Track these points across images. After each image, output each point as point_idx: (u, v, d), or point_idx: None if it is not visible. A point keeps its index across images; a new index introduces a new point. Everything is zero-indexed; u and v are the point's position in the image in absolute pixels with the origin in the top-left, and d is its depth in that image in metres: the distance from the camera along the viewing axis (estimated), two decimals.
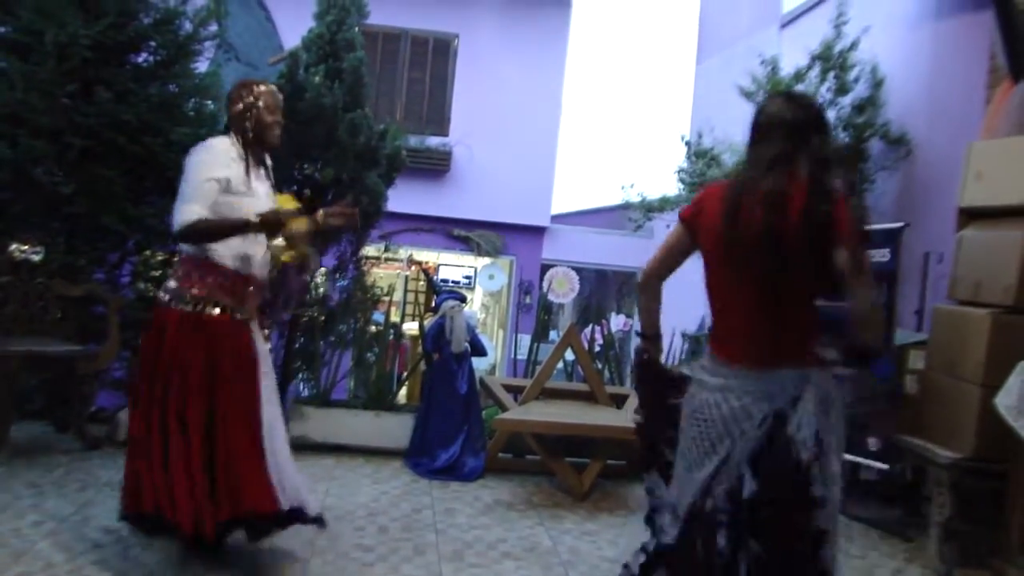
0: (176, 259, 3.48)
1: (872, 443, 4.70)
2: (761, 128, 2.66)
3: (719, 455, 2.59)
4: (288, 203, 3.65)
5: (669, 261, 2.76)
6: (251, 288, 3.48)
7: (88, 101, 5.08)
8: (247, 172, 3.43)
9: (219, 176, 3.33)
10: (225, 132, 3.52)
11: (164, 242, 5.83)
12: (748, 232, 2.51)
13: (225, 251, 3.38)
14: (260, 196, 3.47)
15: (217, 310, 3.36)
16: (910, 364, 4.67)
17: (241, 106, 3.48)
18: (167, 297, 3.37)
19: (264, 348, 3.55)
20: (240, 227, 3.33)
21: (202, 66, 6.01)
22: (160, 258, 5.91)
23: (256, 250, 3.48)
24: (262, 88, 3.53)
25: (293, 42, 6.30)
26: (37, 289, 5.03)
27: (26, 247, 5.28)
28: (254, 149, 3.50)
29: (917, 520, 4.63)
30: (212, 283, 3.37)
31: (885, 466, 4.70)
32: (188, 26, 5.61)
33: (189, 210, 3.27)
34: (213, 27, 5.75)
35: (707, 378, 2.67)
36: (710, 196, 2.66)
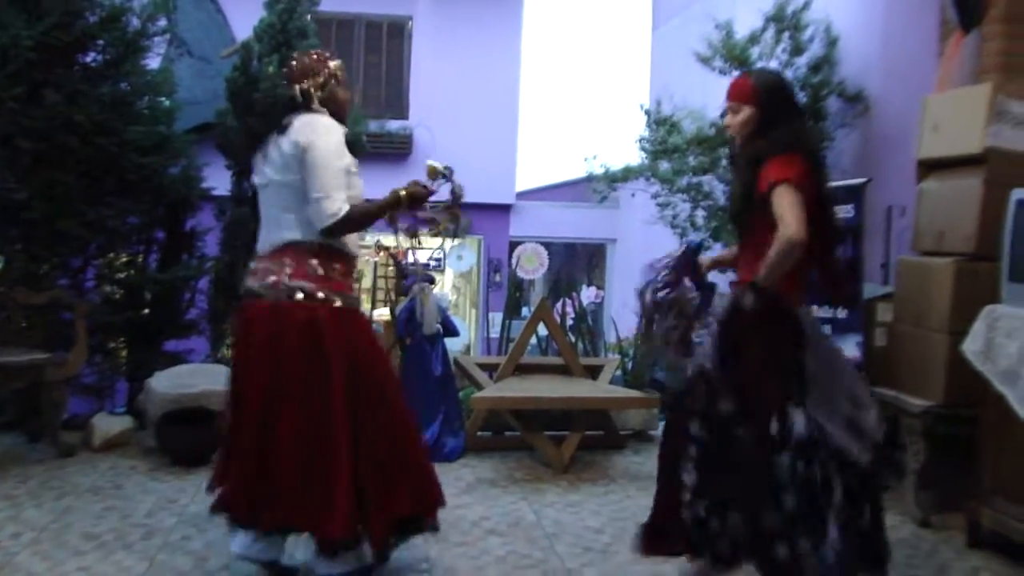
0: (293, 252, 3.14)
1: None
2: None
3: None
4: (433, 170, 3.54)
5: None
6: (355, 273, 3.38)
7: (37, 104, 5.00)
8: None
9: (348, 161, 3.19)
10: (296, 110, 3.21)
11: (126, 244, 5.78)
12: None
13: (352, 237, 3.26)
14: None
15: (343, 303, 3.18)
16: (878, 317, 4.72)
17: (322, 79, 3.23)
18: (318, 294, 3.11)
19: None
20: (390, 205, 3.29)
21: (153, 62, 5.93)
22: (124, 259, 5.86)
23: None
24: (334, 62, 3.31)
25: (245, 33, 6.23)
26: None
27: None
28: None
29: (893, 469, 4.70)
30: (342, 273, 3.22)
31: None
32: (136, 22, 5.52)
33: (338, 200, 3.05)
34: (162, 22, 5.67)
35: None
36: (798, 161, 2.96)
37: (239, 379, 3.21)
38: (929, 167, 4.58)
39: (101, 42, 5.42)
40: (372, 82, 11.94)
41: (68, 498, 4.19)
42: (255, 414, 3.10)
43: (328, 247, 3.16)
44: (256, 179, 3.31)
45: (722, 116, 3.21)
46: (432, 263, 12.68)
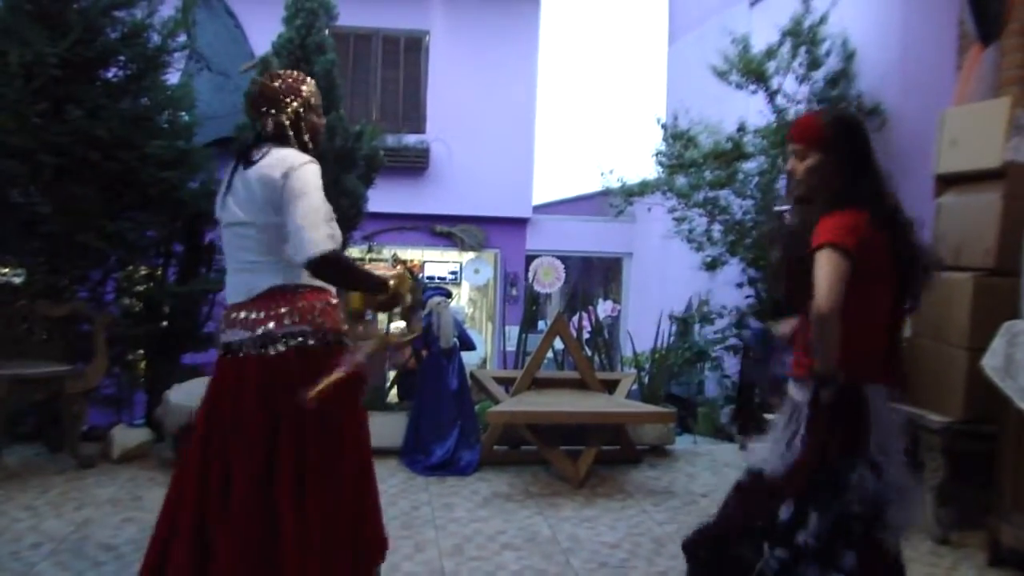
0: (280, 297, 2.74)
1: None
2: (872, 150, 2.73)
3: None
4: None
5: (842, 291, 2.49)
6: None
7: (59, 119, 5.05)
8: None
9: (327, 204, 2.75)
10: (262, 140, 2.83)
11: (146, 257, 5.82)
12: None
13: None
14: None
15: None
16: None
17: (292, 110, 2.84)
18: (309, 340, 2.73)
19: None
20: (374, 287, 2.84)
21: (173, 78, 5.98)
22: (143, 273, 5.90)
23: None
24: (308, 86, 2.91)
25: (263, 48, 6.27)
26: (20, 311, 5.01)
27: (6, 270, 5.26)
28: None
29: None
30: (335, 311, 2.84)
31: None
32: (156, 38, 5.57)
33: (326, 235, 2.62)
34: (182, 38, 5.72)
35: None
36: (861, 221, 2.56)
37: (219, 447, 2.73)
38: (947, 182, 4.56)
39: (122, 58, 5.47)
40: (389, 96, 12.00)
41: (87, 509, 4.21)
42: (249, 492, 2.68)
43: (312, 286, 2.79)
44: (222, 215, 2.86)
45: (783, 158, 2.95)
46: (449, 277, 12.74)
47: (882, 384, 2.62)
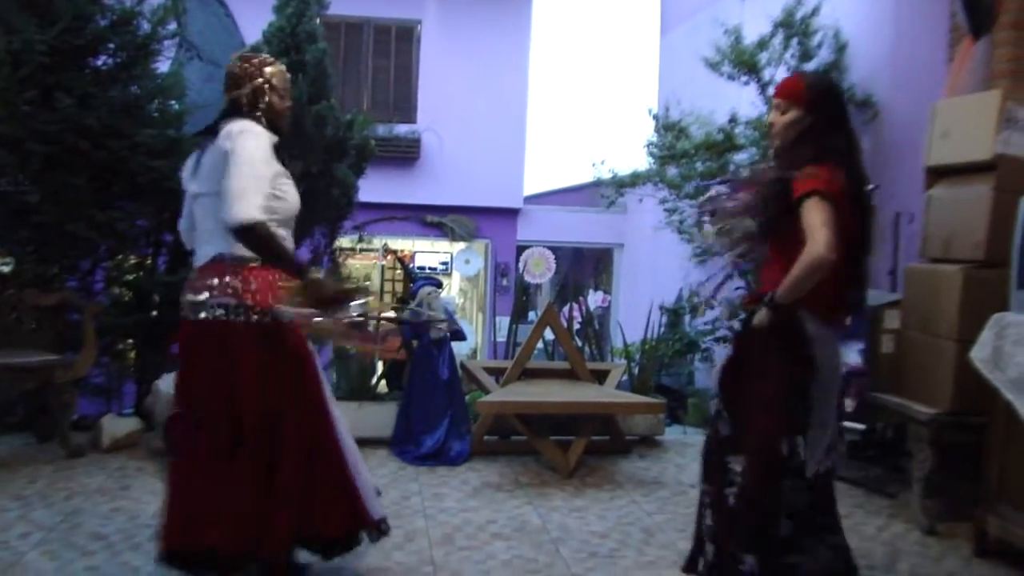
0: (220, 267, 2.99)
1: (847, 404, 4.75)
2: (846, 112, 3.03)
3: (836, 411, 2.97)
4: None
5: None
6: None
7: (49, 107, 5.01)
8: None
9: (275, 169, 2.98)
10: (230, 115, 3.08)
11: (135, 246, 5.80)
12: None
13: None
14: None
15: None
16: (885, 324, 4.71)
17: (251, 87, 3.08)
18: (225, 313, 2.94)
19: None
20: (290, 267, 2.96)
21: (163, 66, 5.95)
22: (133, 262, 5.88)
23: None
24: (272, 68, 3.13)
25: (254, 37, 6.25)
26: (9, 300, 4.99)
27: None
28: None
29: (899, 477, 4.70)
30: (273, 284, 3.00)
31: (861, 426, 4.76)
32: (146, 26, 5.53)
33: (250, 204, 2.80)
34: (172, 26, 5.68)
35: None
36: (836, 175, 2.81)
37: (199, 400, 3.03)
38: (938, 174, 4.57)
39: (112, 45, 5.43)
40: (380, 85, 11.98)
41: (77, 498, 4.20)
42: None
43: (249, 259, 2.97)
44: (190, 187, 3.15)
45: (767, 111, 3.18)
46: (439, 267, 12.73)
47: (818, 316, 2.86)
